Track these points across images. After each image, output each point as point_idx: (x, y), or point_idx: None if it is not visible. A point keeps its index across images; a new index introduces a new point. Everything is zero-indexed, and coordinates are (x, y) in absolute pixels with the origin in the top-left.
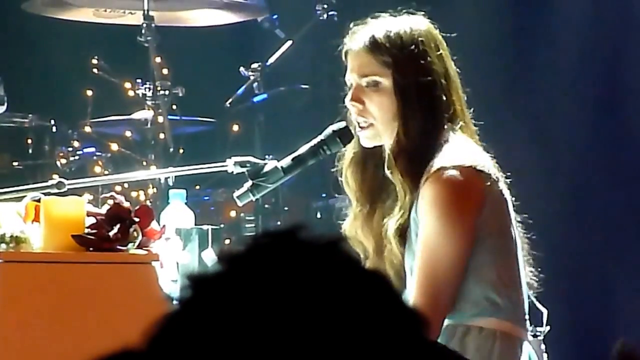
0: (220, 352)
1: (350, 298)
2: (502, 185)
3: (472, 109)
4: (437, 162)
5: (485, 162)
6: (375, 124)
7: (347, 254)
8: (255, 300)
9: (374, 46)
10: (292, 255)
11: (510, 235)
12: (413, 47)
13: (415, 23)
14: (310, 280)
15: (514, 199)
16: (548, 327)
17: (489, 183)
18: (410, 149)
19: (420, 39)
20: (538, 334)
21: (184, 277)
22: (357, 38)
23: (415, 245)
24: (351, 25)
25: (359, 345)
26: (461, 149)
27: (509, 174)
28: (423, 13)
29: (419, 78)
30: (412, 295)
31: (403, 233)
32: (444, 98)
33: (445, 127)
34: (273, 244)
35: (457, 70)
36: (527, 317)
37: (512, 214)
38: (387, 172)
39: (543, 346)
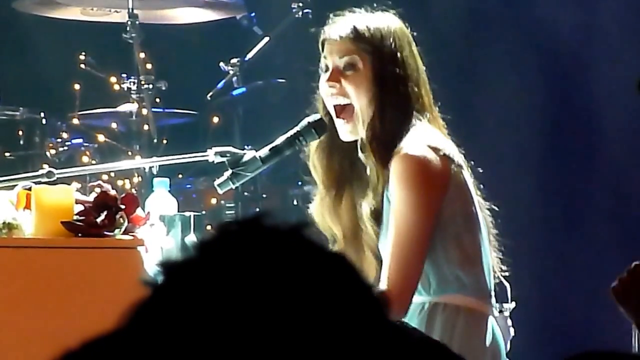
0: (189, 335)
1: (311, 281)
2: (466, 173)
3: (439, 103)
4: (404, 143)
5: (451, 149)
6: (349, 105)
7: (309, 239)
8: (221, 284)
9: (355, 34)
10: (256, 241)
11: (474, 217)
12: (391, 40)
13: (390, 20)
14: (273, 265)
15: (483, 184)
16: (513, 304)
17: (453, 166)
18: (384, 135)
19: (396, 34)
20: (504, 310)
21: (157, 263)
22: (337, 26)
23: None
24: (331, 15)
25: (319, 326)
26: (427, 134)
27: (476, 159)
28: (394, 12)
29: (396, 69)
30: (386, 268)
31: (377, 216)
32: (416, 90)
33: (414, 117)
34: (239, 232)
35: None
36: (492, 293)
37: (476, 199)
38: (361, 155)
39: (510, 321)
